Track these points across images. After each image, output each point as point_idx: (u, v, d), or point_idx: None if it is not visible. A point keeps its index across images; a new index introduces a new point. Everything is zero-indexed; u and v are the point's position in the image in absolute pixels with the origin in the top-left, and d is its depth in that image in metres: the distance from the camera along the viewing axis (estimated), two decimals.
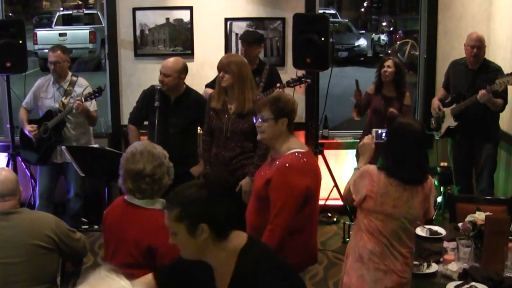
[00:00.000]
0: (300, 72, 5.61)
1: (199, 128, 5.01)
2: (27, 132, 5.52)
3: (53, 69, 5.45)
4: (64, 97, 5.44)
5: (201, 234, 2.25)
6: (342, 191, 4.70)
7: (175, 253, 2.97)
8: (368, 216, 3.22)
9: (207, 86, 5.51)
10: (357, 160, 5.52)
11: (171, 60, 4.81)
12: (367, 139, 3.48)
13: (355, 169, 3.51)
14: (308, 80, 5.53)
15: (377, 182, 3.17)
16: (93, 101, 5.38)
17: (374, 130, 3.64)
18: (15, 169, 5.88)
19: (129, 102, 6.17)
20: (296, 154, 3.33)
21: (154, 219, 3.00)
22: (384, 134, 3.53)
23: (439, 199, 5.97)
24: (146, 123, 5.06)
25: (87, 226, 5.99)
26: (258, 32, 5.96)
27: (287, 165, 3.28)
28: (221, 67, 4.30)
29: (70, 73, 5.57)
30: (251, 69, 4.48)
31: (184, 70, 4.81)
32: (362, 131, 6.00)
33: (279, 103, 3.33)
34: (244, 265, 2.30)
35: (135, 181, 3.04)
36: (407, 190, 3.19)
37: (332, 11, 21.06)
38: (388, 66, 5.50)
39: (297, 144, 3.41)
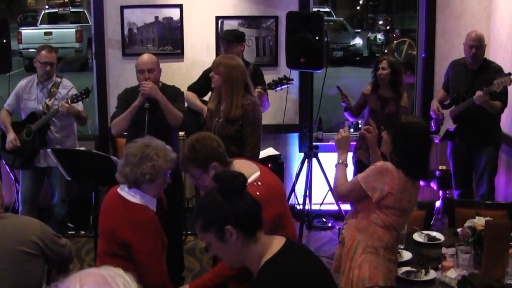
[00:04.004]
0: (294, 73, 5.52)
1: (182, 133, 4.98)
2: (7, 140, 5.37)
3: (48, 70, 5.32)
4: (48, 99, 5.33)
5: (230, 237, 2.29)
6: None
7: (151, 251, 3.07)
8: (385, 212, 3.30)
9: (189, 88, 5.35)
10: (355, 162, 5.50)
11: (146, 55, 4.73)
12: (343, 132, 3.51)
13: (336, 165, 3.49)
14: (291, 82, 5.47)
15: (397, 179, 3.26)
16: (79, 102, 5.26)
17: (347, 122, 3.68)
18: None
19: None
20: (254, 185, 3.03)
21: (133, 213, 3.08)
22: (360, 123, 3.62)
23: (438, 203, 5.88)
24: None
25: (73, 232, 5.93)
26: (238, 30, 5.85)
27: None
28: (212, 66, 4.28)
29: (54, 74, 5.46)
30: None
31: (158, 62, 4.79)
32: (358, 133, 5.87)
33: (198, 155, 3.04)
34: (257, 282, 2.31)
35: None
36: (416, 185, 3.36)
37: (327, 9, 21.02)
38: (383, 68, 5.36)
39: (244, 171, 3.04)
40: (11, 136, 5.34)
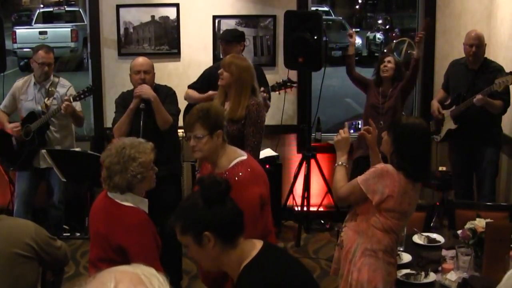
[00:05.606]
0: (292, 73, 5.47)
1: (181, 131, 4.90)
2: (10, 131, 5.30)
3: (46, 70, 5.27)
4: (46, 98, 5.28)
5: (208, 242, 2.29)
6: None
7: (148, 253, 3.05)
8: (385, 215, 3.28)
9: (189, 87, 5.31)
10: (353, 161, 5.45)
11: (141, 58, 4.77)
12: (343, 133, 3.49)
13: (336, 166, 3.47)
14: (294, 84, 5.46)
15: (398, 181, 3.24)
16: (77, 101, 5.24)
17: (346, 122, 3.67)
18: None
19: (112, 104, 5.95)
20: (241, 164, 3.18)
21: (127, 217, 3.07)
22: (360, 124, 3.55)
23: (438, 205, 5.78)
24: None
25: (68, 234, 5.88)
26: (237, 30, 5.80)
27: (236, 178, 3.12)
28: (223, 64, 4.28)
29: (52, 74, 5.42)
30: None
31: (153, 66, 4.82)
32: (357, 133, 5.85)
33: (210, 117, 3.15)
34: (240, 284, 2.31)
35: (102, 169, 3.14)
36: (416, 188, 3.34)
37: (325, 8, 20.97)
38: (389, 61, 5.43)
39: (235, 153, 3.26)
40: (11, 125, 5.29)
